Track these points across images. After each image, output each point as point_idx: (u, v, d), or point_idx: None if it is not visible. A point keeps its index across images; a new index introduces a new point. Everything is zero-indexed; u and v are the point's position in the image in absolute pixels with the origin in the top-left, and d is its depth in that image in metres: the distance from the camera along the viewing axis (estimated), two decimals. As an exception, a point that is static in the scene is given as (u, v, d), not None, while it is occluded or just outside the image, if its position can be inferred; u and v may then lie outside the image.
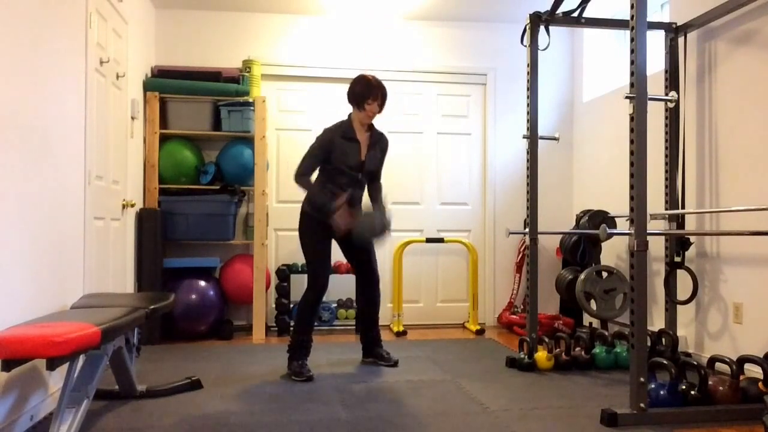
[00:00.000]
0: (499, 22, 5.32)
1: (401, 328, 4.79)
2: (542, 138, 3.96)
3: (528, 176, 3.83)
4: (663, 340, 3.66)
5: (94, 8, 3.30)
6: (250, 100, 4.61)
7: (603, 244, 4.66)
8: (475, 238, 5.31)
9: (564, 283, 4.29)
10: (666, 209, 3.96)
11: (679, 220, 3.87)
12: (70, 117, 2.94)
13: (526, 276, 3.86)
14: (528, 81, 3.83)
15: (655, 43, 4.35)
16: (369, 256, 3.62)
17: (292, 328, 3.62)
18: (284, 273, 4.71)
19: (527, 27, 3.81)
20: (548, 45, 3.93)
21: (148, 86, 4.52)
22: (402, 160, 5.22)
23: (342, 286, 5.09)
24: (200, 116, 4.61)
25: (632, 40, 2.59)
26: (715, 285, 3.63)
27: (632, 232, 2.57)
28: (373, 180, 3.60)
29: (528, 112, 3.83)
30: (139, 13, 4.37)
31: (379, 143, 3.54)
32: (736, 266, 3.47)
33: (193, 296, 4.36)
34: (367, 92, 3.37)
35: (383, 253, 5.16)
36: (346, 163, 3.40)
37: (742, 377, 2.76)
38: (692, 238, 3.80)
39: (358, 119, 3.45)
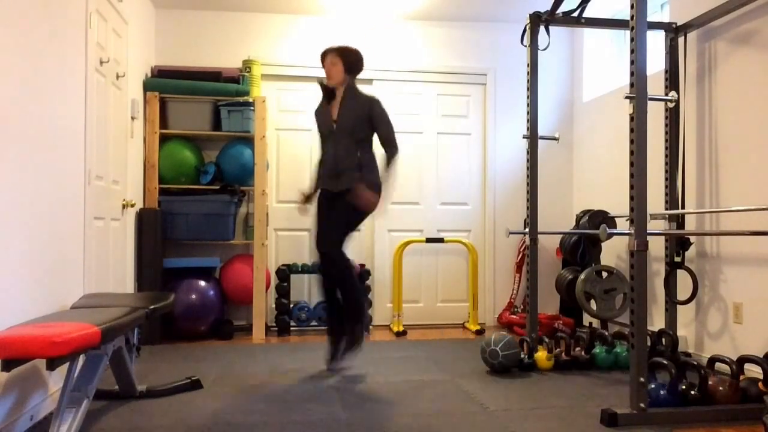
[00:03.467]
0: (499, 22, 5.32)
1: (401, 328, 4.79)
2: (542, 138, 3.97)
3: (528, 176, 3.83)
4: (663, 340, 3.66)
5: (94, 8, 3.30)
6: (250, 100, 4.61)
7: (603, 244, 4.66)
8: (475, 238, 5.31)
9: (564, 283, 4.29)
10: (666, 209, 3.96)
11: (679, 220, 3.88)
12: (70, 117, 2.94)
13: (526, 276, 3.86)
14: (528, 81, 3.83)
15: (655, 43, 4.35)
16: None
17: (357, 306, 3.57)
18: (284, 273, 4.71)
19: (527, 27, 3.81)
20: (548, 45, 3.93)
21: (148, 86, 4.52)
22: (402, 160, 5.22)
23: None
24: (200, 116, 4.61)
25: (632, 40, 2.59)
26: (715, 285, 3.63)
27: (632, 232, 2.57)
28: (382, 145, 3.57)
29: (528, 112, 3.83)
30: (139, 13, 4.37)
31: (356, 99, 3.56)
32: (736, 266, 3.47)
33: (193, 296, 4.36)
34: (321, 58, 3.65)
35: (383, 253, 5.16)
36: (321, 127, 3.65)
37: (742, 377, 2.76)
38: (692, 238, 3.80)
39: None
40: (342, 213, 3.51)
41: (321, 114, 3.65)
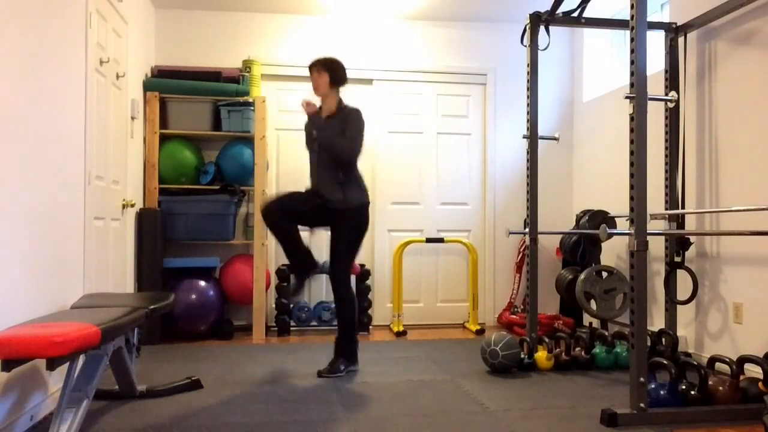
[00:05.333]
0: (499, 22, 5.32)
1: (401, 328, 4.79)
2: (542, 138, 3.96)
3: (528, 176, 3.83)
4: (663, 340, 3.66)
5: (94, 8, 3.30)
6: (250, 100, 4.61)
7: (603, 244, 4.66)
8: (475, 238, 5.31)
9: (564, 283, 4.29)
10: (666, 209, 3.96)
11: (679, 220, 3.88)
12: (70, 117, 2.94)
13: (526, 276, 3.86)
14: (528, 81, 3.83)
15: (655, 43, 4.35)
16: (335, 255, 3.52)
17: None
18: (284, 273, 4.70)
19: (527, 27, 3.81)
20: (548, 45, 3.93)
21: (148, 86, 4.52)
22: (402, 160, 5.22)
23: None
24: (200, 116, 4.61)
25: (632, 40, 2.59)
26: (715, 285, 3.63)
27: (632, 232, 2.57)
28: None
29: (528, 112, 3.83)
30: (139, 13, 4.37)
31: (337, 117, 3.53)
32: (736, 266, 3.47)
33: (193, 296, 4.36)
34: (309, 70, 3.61)
35: (383, 253, 5.16)
36: (306, 143, 3.66)
37: (742, 377, 2.76)
38: (692, 238, 3.80)
39: None
40: (339, 235, 3.48)
41: (308, 129, 3.64)
